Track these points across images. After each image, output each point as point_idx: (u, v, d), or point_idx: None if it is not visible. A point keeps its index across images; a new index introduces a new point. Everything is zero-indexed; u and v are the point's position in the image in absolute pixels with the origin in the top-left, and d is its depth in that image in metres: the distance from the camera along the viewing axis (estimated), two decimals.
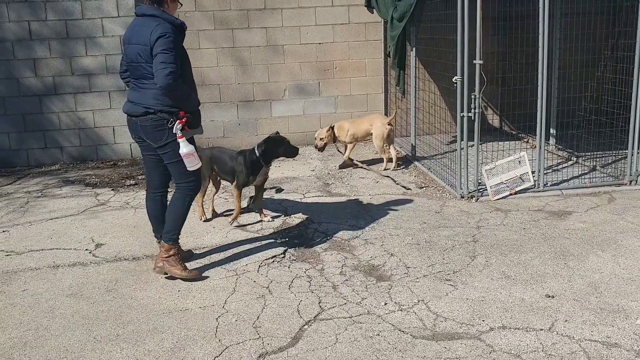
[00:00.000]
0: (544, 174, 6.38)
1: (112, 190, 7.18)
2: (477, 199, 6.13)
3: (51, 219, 6.10)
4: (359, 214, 5.85)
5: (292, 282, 4.40)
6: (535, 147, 6.58)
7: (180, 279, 4.45)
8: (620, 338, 3.51)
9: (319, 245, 5.09)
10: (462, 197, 6.18)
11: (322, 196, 6.53)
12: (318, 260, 4.77)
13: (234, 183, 5.54)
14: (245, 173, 5.44)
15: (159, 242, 4.65)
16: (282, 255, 4.90)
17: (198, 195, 5.52)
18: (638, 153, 6.35)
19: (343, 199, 6.40)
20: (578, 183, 6.48)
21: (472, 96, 5.94)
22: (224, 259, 4.87)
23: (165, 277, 4.51)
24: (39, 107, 8.60)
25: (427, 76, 8.39)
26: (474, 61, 5.88)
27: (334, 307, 3.99)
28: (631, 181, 6.42)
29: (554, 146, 7.88)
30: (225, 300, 4.15)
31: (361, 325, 3.74)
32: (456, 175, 6.33)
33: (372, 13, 8.68)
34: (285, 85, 9.04)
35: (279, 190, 5.88)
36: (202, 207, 5.87)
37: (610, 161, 7.08)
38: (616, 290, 4.10)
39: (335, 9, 8.88)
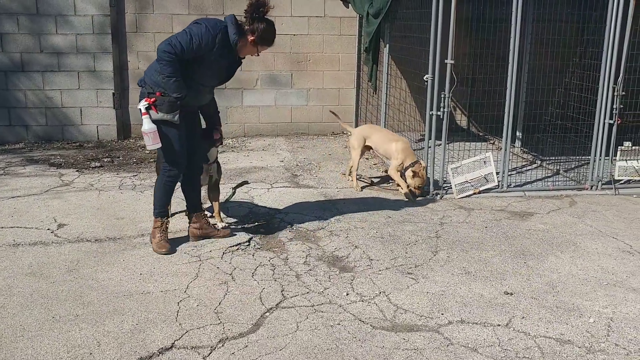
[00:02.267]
0: (508, 175, 6.50)
1: (77, 171, 7.07)
2: (442, 196, 6.21)
3: (13, 197, 5.99)
4: (326, 206, 5.88)
5: (255, 269, 4.40)
6: (501, 148, 6.70)
7: (153, 249, 4.66)
8: (574, 335, 3.61)
9: (284, 235, 5.10)
10: (428, 194, 6.25)
11: (290, 187, 6.54)
12: (283, 250, 4.79)
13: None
14: None
15: (186, 213, 4.99)
16: (247, 244, 4.90)
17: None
18: (600, 159, 6.51)
19: (310, 190, 6.42)
20: (541, 185, 6.62)
21: (442, 95, 6.02)
22: (189, 245, 4.85)
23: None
24: (5, 83, 8.42)
25: (399, 73, 8.45)
26: (446, 61, 5.95)
27: (296, 295, 4.02)
28: (592, 186, 6.58)
29: (519, 149, 8.04)
30: (188, 286, 4.13)
31: (322, 314, 3.77)
32: None
33: (348, 8, 8.71)
34: (257, 75, 9.02)
35: (244, 183, 5.84)
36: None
37: (573, 166, 7.25)
38: (572, 290, 4.21)
39: (312, 2, 8.89)
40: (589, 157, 6.60)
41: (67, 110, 8.65)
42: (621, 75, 6.25)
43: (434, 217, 5.61)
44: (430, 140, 6.26)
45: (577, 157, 7.20)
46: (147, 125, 4.30)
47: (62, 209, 5.70)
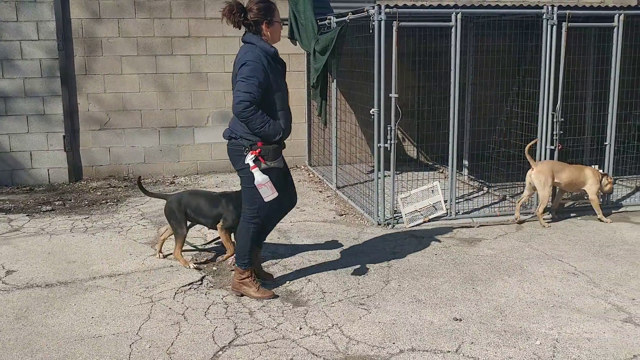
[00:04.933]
0: (456, 202, 6.67)
1: (27, 215, 6.95)
2: (393, 226, 6.34)
3: None
4: (279, 241, 5.92)
5: (208, 308, 4.40)
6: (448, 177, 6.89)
7: (255, 298, 4.52)
8: (521, 358, 3.72)
9: None
10: (379, 225, 6.37)
11: None
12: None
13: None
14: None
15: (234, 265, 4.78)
16: (200, 282, 4.89)
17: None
18: None
19: None
20: (488, 212, 6.81)
21: (388, 128, 6.19)
22: (140, 286, 4.82)
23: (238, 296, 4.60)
24: None
25: (348, 107, 8.64)
26: (390, 95, 6.14)
27: (249, 332, 4.03)
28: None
29: (467, 176, 8.27)
30: (140, 327, 4.10)
31: (276, 350, 3.80)
32: (374, 203, 6.53)
33: (295, 45, 8.88)
34: (208, 112, 9.08)
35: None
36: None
37: (519, 191, 7.48)
38: (520, 314, 4.34)
39: None
40: None
41: (16, 154, 8.52)
42: (559, 102, 6.54)
43: (386, 247, 5.72)
44: (379, 172, 6.40)
45: (522, 183, 7.42)
46: (260, 177, 4.24)
47: (10, 255, 5.59)
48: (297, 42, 8.77)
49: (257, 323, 4.17)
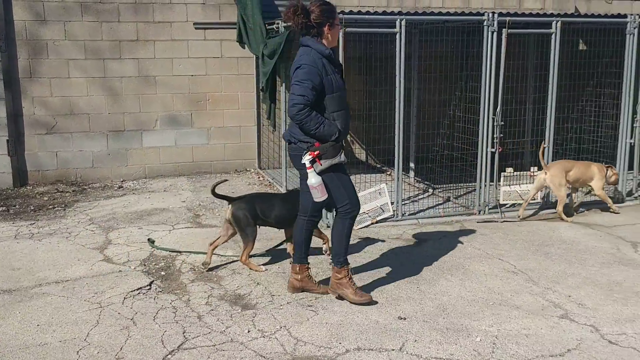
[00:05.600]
0: (403, 204, 6.84)
1: None
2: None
3: None
4: (228, 245, 5.94)
5: (157, 313, 4.41)
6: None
7: (351, 302, 4.51)
8: (462, 355, 3.87)
9: (187, 277, 5.13)
10: (328, 227, 6.47)
11: (192, 227, 6.57)
12: (185, 291, 4.82)
13: None
14: None
15: (291, 263, 4.78)
16: (148, 287, 4.89)
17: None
18: (485, 185, 6.98)
19: (213, 230, 6.47)
20: (433, 213, 7.00)
21: None
22: (89, 292, 4.79)
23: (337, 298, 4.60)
24: None
25: None
26: None
27: (198, 336, 4.06)
28: (480, 211, 7.03)
29: (413, 178, 8.47)
30: (88, 333, 4.09)
31: (224, 352, 3.85)
32: None
33: (244, 49, 8.93)
34: (157, 115, 9.02)
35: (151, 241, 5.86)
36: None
37: (462, 193, 7.72)
38: (461, 311, 4.50)
39: (208, 43, 9.04)
40: (475, 184, 7.06)
41: None
42: (499, 106, 6.78)
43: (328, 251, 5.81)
44: None
45: (465, 184, 7.69)
46: (314, 179, 4.28)
47: None
48: (245, 45, 8.81)
49: (205, 327, 4.20)
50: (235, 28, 8.93)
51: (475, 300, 4.70)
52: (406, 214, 6.85)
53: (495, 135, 6.83)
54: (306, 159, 4.29)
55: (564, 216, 6.80)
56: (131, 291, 4.80)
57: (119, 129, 8.89)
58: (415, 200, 7.55)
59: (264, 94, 8.22)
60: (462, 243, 6.05)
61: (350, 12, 6.40)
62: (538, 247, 5.91)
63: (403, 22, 6.38)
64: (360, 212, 6.45)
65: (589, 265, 5.40)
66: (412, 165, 8.49)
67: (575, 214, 7.10)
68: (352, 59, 8.56)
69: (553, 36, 6.91)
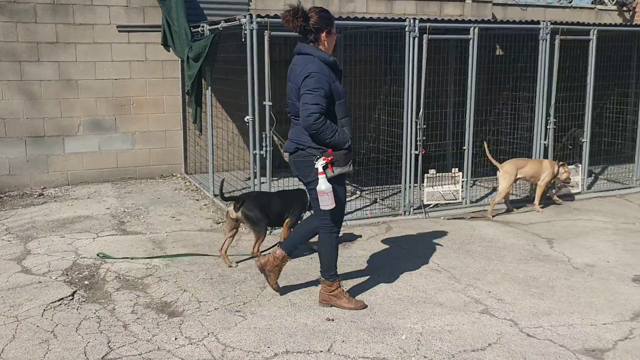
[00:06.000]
0: None
1: None
2: (270, 232, 6.44)
3: None
4: (154, 252, 5.85)
5: (80, 324, 4.28)
6: None
7: (347, 309, 4.53)
8: (388, 353, 3.96)
9: (111, 285, 5.01)
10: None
11: (117, 235, 6.41)
12: (109, 300, 4.70)
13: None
14: None
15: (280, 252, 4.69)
16: (71, 298, 4.74)
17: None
18: (410, 187, 7.15)
19: (139, 237, 6.35)
20: (361, 214, 7.12)
21: (263, 135, 6.31)
22: (4, 305, 4.59)
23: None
24: None
25: (224, 114, 8.67)
26: (264, 102, 6.26)
27: (123, 345, 3.98)
28: (405, 212, 7.20)
29: None
30: (3, 349, 3.92)
31: None
32: None
33: (169, 52, 8.78)
34: (79, 120, 8.75)
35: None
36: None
37: (388, 194, 7.89)
38: (388, 310, 4.60)
39: (132, 46, 8.85)
40: (401, 186, 7.23)
41: None
42: (421, 110, 6.96)
43: (263, 253, 5.81)
44: (256, 179, 6.50)
45: (391, 186, 7.86)
46: (324, 185, 4.21)
47: None
48: (170, 49, 8.68)
49: (131, 336, 4.12)
50: (160, 31, 8.77)
51: (401, 299, 4.81)
52: None
53: (418, 138, 7.01)
54: (319, 164, 4.23)
55: (490, 211, 7.19)
56: (52, 302, 4.64)
57: (38, 134, 8.56)
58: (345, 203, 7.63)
59: (189, 98, 8.12)
60: (388, 243, 6.18)
61: (276, 16, 6.42)
62: (460, 246, 6.11)
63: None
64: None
65: (508, 262, 5.63)
66: None
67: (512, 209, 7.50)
68: (280, 62, 8.56)
69: (471, 42, 7.17)
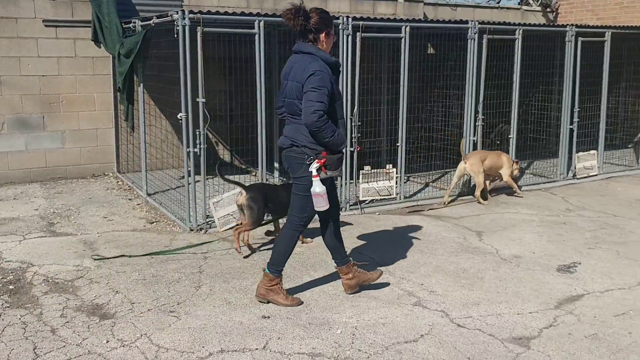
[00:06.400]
0: None
1: None
2: (206, 231, 6.40)
3: None
4: (85, 253, 5.70)
5: (3, 331, 4.12)
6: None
7: (283, 306, 4.56)
8: (323, 348, 3.99)
9: (39, 289, 4.84)
10: (192, 230, 6.39)
11: (46, 237, 6.21)
12: (37, 305, 4.55)
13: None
14: None
15: (337, 268, 4.83)
16: None
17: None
18: (346, 183, 7.22)
19: (69, 238, 6.16)
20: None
21: (197, 132, 6.24)
22: None
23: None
24: None
25: (157, 112, 8.51)
26: (197, 99, 6.19)
27: (51, 351, 3.86)
28: (342, 208, 7.26)
29: (278, 178, 8.57)
30: None
31: None
32: (185, 209, 6.53)
33: (100, 48, 8.56)
34: (3, 118, 8.40)
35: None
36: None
37: None
38: (323, 306, 4.63)
39: (60, 42, 8.57)
40: (337, 182, 7.28)
41: None
42: (356, 107, 7.05)
43: (198, 252, 5.76)
44: (190, 177, 6.42)
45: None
46: (319, 188, 4.31)
47: None
48: (101, 45, 8.46)
49: (60, 340, 4.00)
50: (90, 26, 8.53)
51: (337, 294, 4.86)
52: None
53: (353, 135, 7.09)
54: (314, 167, 4.31)
55: (481, 200, 7.59)
56: None
57: None
58: None
59: (121, 95, 7.94)
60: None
61: (209, 12, 6.35)
62: (394, 240, 6.22)
63: (262, 24, 6.44)
64: (224, 213, 6.52)
65: (440, 255, 5.78)
66: (276, 165, 8.58)
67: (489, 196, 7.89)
68: (214, 59, 8.49)
69: (403, 40, 7.30)
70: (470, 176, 7.82)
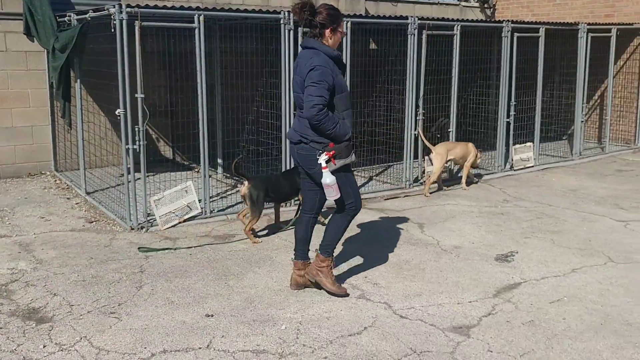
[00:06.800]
0: (211, 201, 6.84)
1: None
2: (147, 229, 6.28)
3: None
4: (21, 256, 5.51)
5: None
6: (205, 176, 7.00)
7: (327, 291, 4.69)
8: (268, 344, 3.99)
9: None
10: (133, 229, 6.27)
11: None
12: None
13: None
14: None
15: (293, 260, 4.89)
16: None
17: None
18: None
19: (2, 240, 5.94)
20: (242, 207, 7.05)
21: (136, 129, 6.11)
22: None
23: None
24: None
25: (96, 108, 8.29)
26: (136, 95, 6.06)
27: None
28: (287, 203, 7.25)
29: (221, 174, 8.49)
30: None
31: None
32: (126, 207, 6.39)
33: (33, 42, 8.27)
34: None
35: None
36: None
37: None
38: (268, 302, 4.63)
39: None
40: None
41: None
42: None
43: (140, 251, 5.65)
44: (130, 175, 6.28)
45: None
46: (329, 179, 4.41)
47: None
48: (34, 38, 8.17)
49: None
50: (22, 19, 8.22)
51: (282, 289, 4.86)
52: (215, 211, 6.86)
53: None
54: (322, 159, 4.41)
55: (426, 190, 7.92)
56: None
57: None
58: (225, 196, 7.58)
59: (56, 91, 7.68)
60: (269, 235, 6.21)
61: (147, 6, 6.22)
62: None
63: (201, 18, 6.35)
64: (166, 211, 6.42)
65: (383, 247, 5.85)
66: (220, 161, 8.50)
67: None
68: (153, 54, 8.32)
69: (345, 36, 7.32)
70: (455, 165, 8.33)
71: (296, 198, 6.54)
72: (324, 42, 4.50)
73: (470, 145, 8.23)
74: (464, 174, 8.24)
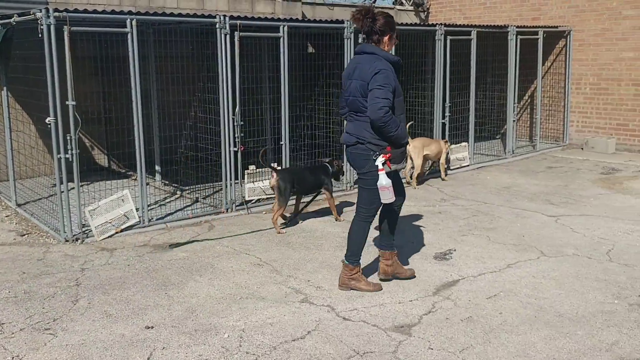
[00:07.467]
0: (149, 209, 6.70)
1: None
2: (83, 241, 6.10)
3: None
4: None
5: None
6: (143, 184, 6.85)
7: (366, 291, 4.84)
8: (210, 354, 3.93)
9: None
10: (67, 241, 6.07)
11: None
12: None
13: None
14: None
15: (381, 251, 5.06)
16: None
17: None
18: (231, 184, 7.15)
19: None
20: (182, 215, 6.97)
21: (68, 137, 5.92)
22: None
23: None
24: None
25: (25, 117, 7.99)
26: (67, 102, 5.87)
27: None
28: (228, 209, 7.19)
29: (160, 182, 8.33)
30: None
31: None
32: (59, 218, 6.18)
33: None
34: None
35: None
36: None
37: (210, 192, 7.82)
38: (210, 311, 4.56)
39: None
40: (221, 183, 7.20)
41: None
42: (238, 107, 6.99)
43: (75, 264, 5.47)
44: (62, 185, 6.08)
45: (212, 184, 7.80)
46: (385, 181, 4.50)
47: None
48: None
49: None
50: None
51: (224, 297, 4.81)
52: (154, 219, 6.72)
53: (236, 135, 7.03)
54: (379, 161, 4.52)
55: (415, 182, 8.25)
56: None
57: None
58: (163, 204, 7.45)
59: None
60: (210, 242, 6.14)
61: (76, 10, 6.03)
62: (281, 238, 6.25)
63: (134, 22, 6.22)
64: (102, 221, 6.26)
65: (325, 250, 5.87)
66: (157, 168, 8.35)
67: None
68: (85, 59, 8.09)
69: (282, 40, 7.33)
70: (426, 160, 8.68)
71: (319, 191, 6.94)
72: (382, 47, 4.67)
73: (442, 142, 8.75)
74: (441, 169, 8.82)
